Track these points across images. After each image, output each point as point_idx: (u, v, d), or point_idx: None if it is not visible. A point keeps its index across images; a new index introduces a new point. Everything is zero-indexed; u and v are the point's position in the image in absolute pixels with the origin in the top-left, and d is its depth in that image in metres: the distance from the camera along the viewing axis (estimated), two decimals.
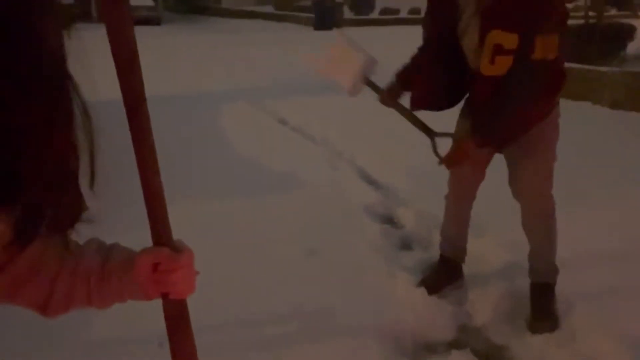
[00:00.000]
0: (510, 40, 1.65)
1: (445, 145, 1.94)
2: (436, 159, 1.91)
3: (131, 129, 0.61)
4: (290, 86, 6.58)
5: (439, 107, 1.98)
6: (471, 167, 2.01)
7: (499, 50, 1.68)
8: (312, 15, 16.37)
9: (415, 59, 2.05)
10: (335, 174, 3.65)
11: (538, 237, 2.01)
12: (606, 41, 6.69)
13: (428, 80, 1.96)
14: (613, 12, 15.43)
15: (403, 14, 18.55)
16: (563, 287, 2.05)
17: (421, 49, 2.05)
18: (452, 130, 2.02)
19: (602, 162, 3.71)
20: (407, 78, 2.03)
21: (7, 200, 0.48)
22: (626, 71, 5.49)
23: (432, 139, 1.94)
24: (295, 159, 3.89)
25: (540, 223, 1.99)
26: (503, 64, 1.69)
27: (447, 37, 1.84)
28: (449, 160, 1.87)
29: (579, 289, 2.09)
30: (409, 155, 3.47)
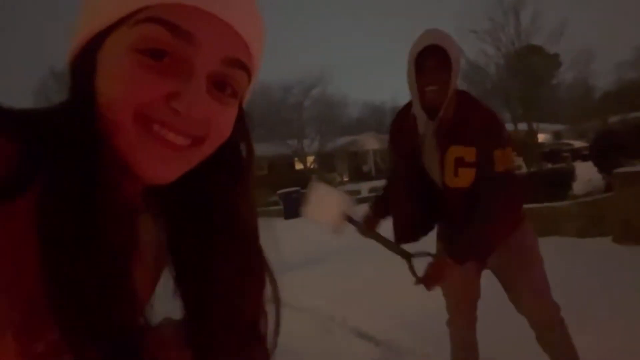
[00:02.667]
0: (468, 153, 1.79)
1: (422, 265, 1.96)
2: (416, 280, 1.88)
3: None
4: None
5: (415, 237, 2.03)
6: (464, 288, 2.02)
7: (460, 163, 1.81)
8: (280, 207, 17.31)
9: (386, 190, 2.21)
10: (330, 339, 3.50)
11: (558, 348, 1.93)
12: (553, 184, 7.34)
13: (401, 213, 2.05)
14: (549, 165, 17.15)
15: (364, 194, 19.85)
16: None
17: (389, 179, 2.21)
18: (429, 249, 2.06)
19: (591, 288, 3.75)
20: (381, 208, 2.18)
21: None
22: (583, 201, 5.93)
23: (409, 261, 1.97)
24: (285, 333, 3.73)
25: (553, 332, 1.94)
26: (466, 176, 1.81)
27: (412, 163, 1.96)
28: (426, 280, 1.85)
29: None
30: (401, 304, 3.43)
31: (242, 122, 0.55)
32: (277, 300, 0.60)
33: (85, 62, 0.48)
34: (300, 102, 35.06)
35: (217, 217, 0.55)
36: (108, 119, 0.45)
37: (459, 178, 1.82)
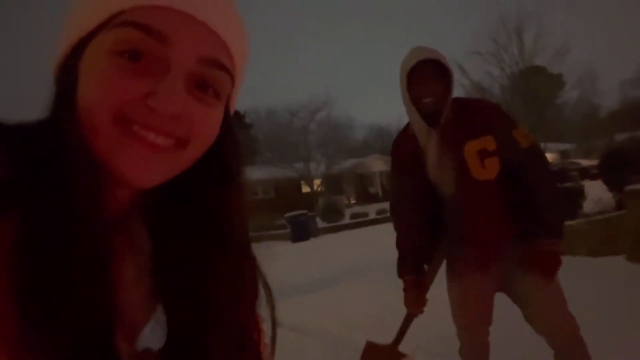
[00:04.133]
0: (488, 142, 1.82)
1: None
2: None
3: None
4: (278, 290, 6.55)
5: (420, 255, 2.05)
6: (476, 312, 1.99)
7: (484, 154, 1.82)
8: (288, 230, 17.27)
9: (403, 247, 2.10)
10: None
11: None
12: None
13: (407, 230, 2.05)
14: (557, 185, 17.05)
15: (372, 216, 19.79)
16: None
17: (392, 204, 2.14)
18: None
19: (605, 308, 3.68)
20: (413, 266, 2.06)
21: None
22: (594, 220, 5.86)
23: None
24: (293, 358, 3.68)
25: (574, 351, 1.89)
26: (493, 165, 1.82)
27: (417, 179, 1.95)
28: (547, 267, 1.85)
29: None
30: (414, 329, 3.37)
31: (229, 126, 0.55)
32: (272, 308, 0.59)
33: (67, 71, 0.48)
34: (306, 125, 35.34)
35: (206, 224, 0.54)
36: (88, 124, 0.45)
37: (487, 169, 1.83)
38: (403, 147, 2.02)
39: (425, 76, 1.82)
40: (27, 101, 0.50)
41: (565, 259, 6.36)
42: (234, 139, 0.56)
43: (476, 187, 1.86)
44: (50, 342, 0.40)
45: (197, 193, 0.54)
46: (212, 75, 0.49)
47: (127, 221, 0.54)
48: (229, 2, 0.52)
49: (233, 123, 0.56)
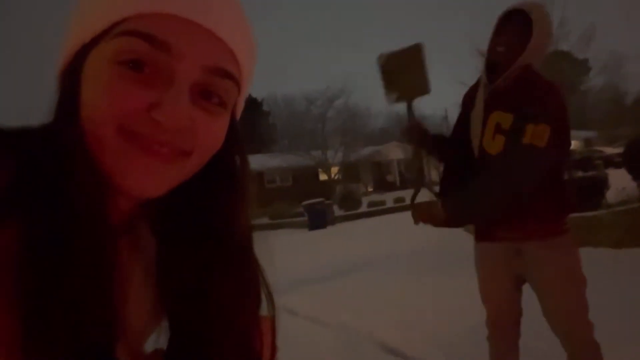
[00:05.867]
0: (506, 119, 1.79)
1: None
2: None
3: None
4: (295, 279, 6.60)
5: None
6: (503, 302, 1.95)
7: (498, 129, 1.81)
8: (305, 218, 17.34)
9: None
10: (356, 354, 3.42)
11: None
12: (586, 193, 7.10)
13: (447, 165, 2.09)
14: (580, 174, 16.73)
15: (389, 204, 19.71)
16: None
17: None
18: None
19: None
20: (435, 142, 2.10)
21: None
22: (618, 210, 5.71)
23: (418, 189, 1.97)
24: (310, 348, 3.68)
25: (586, 354, 1.82)
26: (499, 143, 1.81)
27: (462, 126, 2.00)
28: (413, 209, 1.88)
29: None
30: (431, 319, 3.34)
31: (235, 133, 0.54)
32: (273, 316, 0.59)
33: (70, 77, 0.47)
34: (323, 113, 35.24)
35: (210, 232, 0.54)
36: (92, 133, 0.45)
37: (495, 142, 1.82)
38: (471, 88, 2.06)
39: (509, 25, 1.81)
40: (30, 104, 0.50)
41: (587, 251, 6.25)
42: (240, 146, 0.55)
43: (482, 156, 1.88)
44: (53, 352, 0.40)
45: (203, 199, 0.54)
46: (218, 84, 0.48)
47: (133, 226, 0.54)
48: (236, 7, 0.50)
49: (239, 129, 0.55)
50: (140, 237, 0.55)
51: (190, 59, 0.45)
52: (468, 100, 2.06)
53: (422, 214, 1.86)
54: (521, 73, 1.81)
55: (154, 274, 0.54)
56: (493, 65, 1.85)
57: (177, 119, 0.44)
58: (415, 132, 2.06)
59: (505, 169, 1.76)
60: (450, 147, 2.10)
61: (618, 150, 18.67)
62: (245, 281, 0.56)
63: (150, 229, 0.56)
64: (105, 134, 0.44)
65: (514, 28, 1.79)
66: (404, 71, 1.99)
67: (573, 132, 2.00)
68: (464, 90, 2.11)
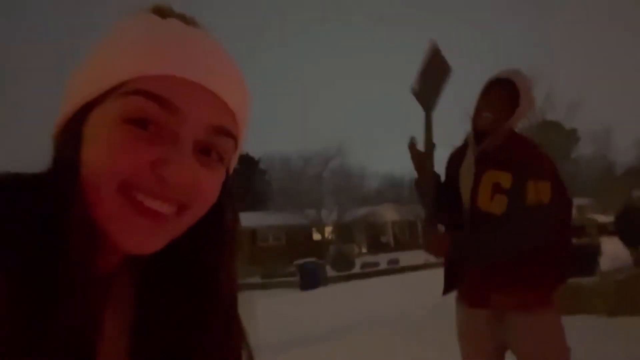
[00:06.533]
0: (505, 179, 1.80)
1: None
2: None
3: None
4: (284, 340, 6.39)
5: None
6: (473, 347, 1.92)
7: (497, 188, 1.81)
8: (297, 278, 17.01)
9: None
10: None
11: None
12: (580, 259, 7.08)
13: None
14: (573, 240, 16.74)
15: (383, 265, 19.46)
16: None
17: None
18: None
19: None
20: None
21: None
22: (612, 277, 5.69)
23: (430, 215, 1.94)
24: None
25: None
26: (501, 202, 1.80)
27: (452, 182, 2.00)
28: (423, 241, 1.89)
29: None
30: None
31: (228, 188, 0.54)
32: None
33: (70, 135, 0.48)
34: (319, 173, 35.54)
35: (193, 288, 0.53)
36: (90, 190, 0.45)
37: (494, 203, 1.82)
38: (457, 149, 2.10)
39: (495, 92, 1.88)
40: (26, 153, 0.50)
41: (581, 318, 6.14)
42: (231, 200, 0.56)
43: (478, 215, 1.88)
44: None
45: (189, 253, 0.54)
46: (219, 142, 0.49)
47: (115, 276, 0.53)
48: (235, 68, 0.52)
49: (232, 184, 0.56)
50: (119, 285, 0.54)
51: (195, 119, 0.47)
52: (454, 159, 2.11)
53: (429, 243, 1.88)
54: (508, 135, 1.90)
55: (129, 325, 0.53)
56: (479, 128, 1.93)
57: (183, 175, 0.45)
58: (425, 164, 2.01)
59: (516, 229, 1.77)
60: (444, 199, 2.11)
61: (610, 218, 18.78)
62: (225, 343, 0.54)
63: (129, 277, 0.55)
64: (105, 192, 0.45)
65: (500, 94, 1.87)
66: (431, 76, 1.97)
67: None
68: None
